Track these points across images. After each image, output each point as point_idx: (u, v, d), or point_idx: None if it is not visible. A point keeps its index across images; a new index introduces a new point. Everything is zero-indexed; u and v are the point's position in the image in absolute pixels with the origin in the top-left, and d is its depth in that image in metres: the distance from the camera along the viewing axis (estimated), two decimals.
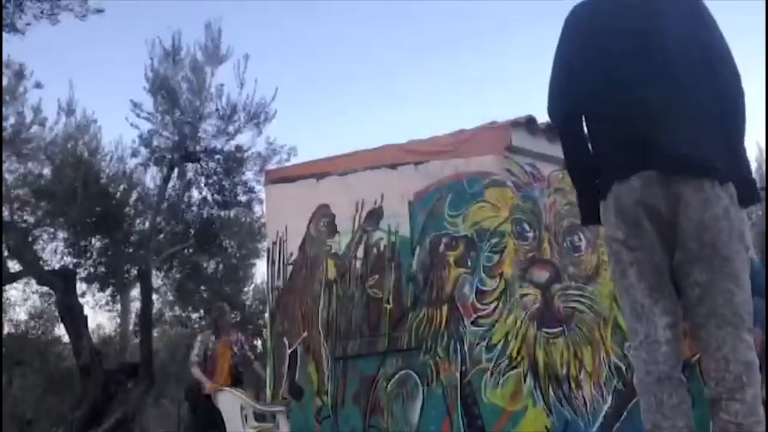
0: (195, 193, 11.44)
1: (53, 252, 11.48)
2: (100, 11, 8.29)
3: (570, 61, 2.45)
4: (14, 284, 12.00)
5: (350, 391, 5.70)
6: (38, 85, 10.31)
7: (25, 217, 10.71)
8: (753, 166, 12.81)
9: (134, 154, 10.87)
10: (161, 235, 11.61)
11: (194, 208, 11.61)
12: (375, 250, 5.79)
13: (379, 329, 5.58)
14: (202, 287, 13.94)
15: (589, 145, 2.44)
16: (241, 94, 10.52)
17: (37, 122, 10.49)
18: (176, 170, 10.83)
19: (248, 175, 11.13)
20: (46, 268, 10.79)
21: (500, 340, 4.73)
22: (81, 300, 11.01)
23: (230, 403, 6.50)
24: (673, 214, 2.14)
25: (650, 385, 2.20)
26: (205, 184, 11.23)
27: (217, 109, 10.53)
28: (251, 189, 11.25)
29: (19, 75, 10.22)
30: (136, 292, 12.63)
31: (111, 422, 9.90)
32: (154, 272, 11.71)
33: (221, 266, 13.31)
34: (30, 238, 10.68)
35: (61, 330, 13.61)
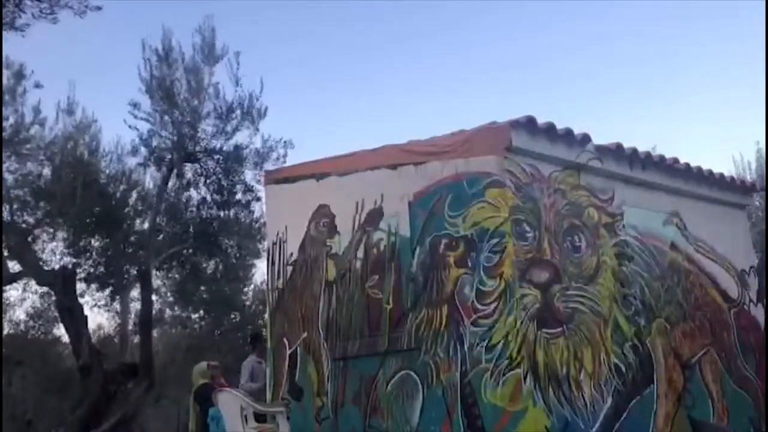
0: (194, 193, 11.44)
1: (53, 252, 11.49)
2: (98, 8, 8.26)
3: None
4: (14, 284, 11.98)
5: (350, 391, 5.70)
6: (38, 85, 10.29)
7: (25, 218, 10.70)
8: (753, 166, 12.78)
9: (134, 154, 10.86)
10: (161, 236, 11.61)
11: (193, 209, 11.60)
12: (375, 250, 5.79)
13: (379, 330, 5.58)
14: (202, 287, 13.93)
15: None
16: (236, 92, 10.51)
17: (36, 122, 10.48)
18: (175, 170, 10.82)
19: (247, 174, 11.12)
20: (45, 268, 10.78)
21: (500, 341, 4.73)
22: (81, 300, 11.00)
23: (230, 403, 6.49)
24: None
25: None
26: (204, 184, 11.23)
27: (215, 109, 10.53)
28: (250, 189, 11.25)
29: (19, 75, 10.20)
30: (135, 292, 12.62)
31: (111, 422, 9.89)
32: (153, 272, 11.70)
33: (221, 266, 13.29)
34: (30, 239, 10.67)
35: (61, 330, 13.59)
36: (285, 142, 10.90)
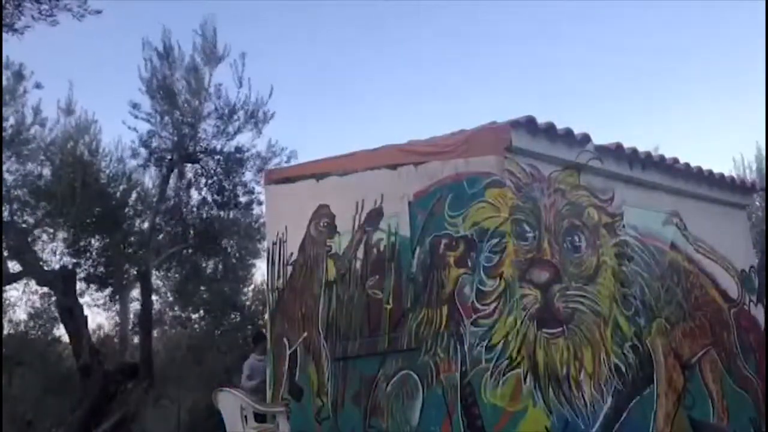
0: (195, 194, 11.43)
1: (53, 252, 11.47)
2: (98, 12, 8.24)
3: None
4: (14, 284, 11.96)
5: (350, 391, 5.70)
6: (38, 86, 10.28)
7: (25, 218, 10.69)
8: (753, 166, 12.78)
9: (134, 154, 10.85)
10: (161, 236, 11.60)
11: (194, 209, 11.59)
12: (375, 250, 5.79)
13: (379, 330, 5.58)
14: (202, 287, 13.91)
15: None
16: (239, 93, 10.49)
17: (37, 123, 10.47)
18: (176, 171, 10.82)
19: (248, 175, 11.12)
20: (45, 268, 10.77)
21: (500, 341, 4.73)
22: (81, 300, 10.99)
23: (230, 403, 6.50)
24: None
25: None
26: (204, 185, 11.22)
27: (216, 109, 10.52)
28: (251, 189, 11.24)
29: (19, 75, 10.19)
30: (135, 292, 12.61)
31: (111, 422, 9.89)
32: (153, 272, 11.70)
33: (221, 266, 13.28)
34: (30, 239, 10.66)
35: (61, 330, 13.57)
36: (290, 153, 10.90)
